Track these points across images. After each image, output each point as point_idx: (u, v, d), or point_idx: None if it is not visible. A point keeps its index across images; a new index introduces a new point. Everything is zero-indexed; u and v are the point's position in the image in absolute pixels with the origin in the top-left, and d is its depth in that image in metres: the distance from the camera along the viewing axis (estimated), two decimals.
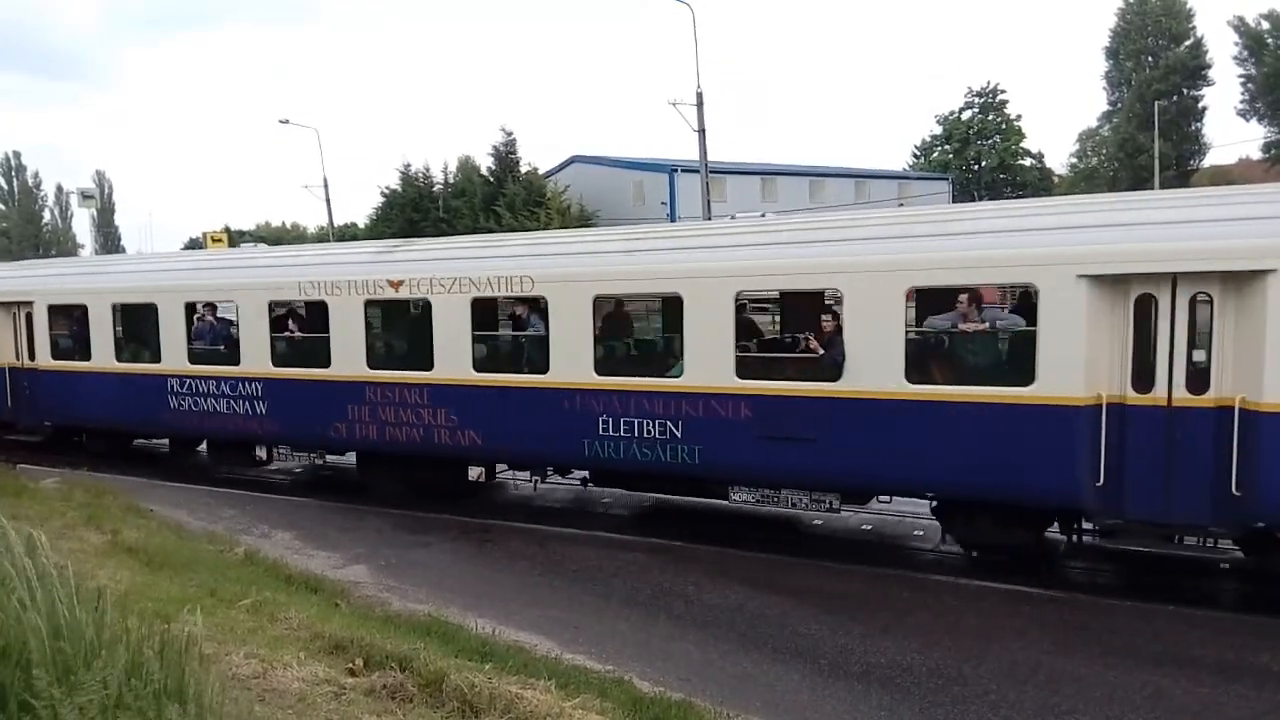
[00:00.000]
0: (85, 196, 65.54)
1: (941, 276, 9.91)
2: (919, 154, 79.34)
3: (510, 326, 13.26)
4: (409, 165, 55.71)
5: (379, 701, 5.60)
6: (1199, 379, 8.93)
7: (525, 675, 6.35)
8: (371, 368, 13.50)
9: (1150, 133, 55.90)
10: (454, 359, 12.78)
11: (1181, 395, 8.98)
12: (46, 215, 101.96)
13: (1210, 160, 65.77)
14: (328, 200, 49.06)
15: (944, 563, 10.95)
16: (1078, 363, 9.12)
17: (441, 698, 5.71)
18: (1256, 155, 61.59)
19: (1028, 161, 76.89)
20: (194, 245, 59.26)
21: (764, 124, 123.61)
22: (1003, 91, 75.84)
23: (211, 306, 15.49)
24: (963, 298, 10.00)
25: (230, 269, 15.74)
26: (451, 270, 12.88)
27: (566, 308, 11.98)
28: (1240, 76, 59.86)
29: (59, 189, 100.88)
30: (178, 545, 10.77)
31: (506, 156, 52.53)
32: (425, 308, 13.05)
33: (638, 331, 13.11)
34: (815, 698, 7.54)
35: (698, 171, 33.37)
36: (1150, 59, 64.57)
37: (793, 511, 11.99)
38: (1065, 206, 10.51)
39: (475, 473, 14.00)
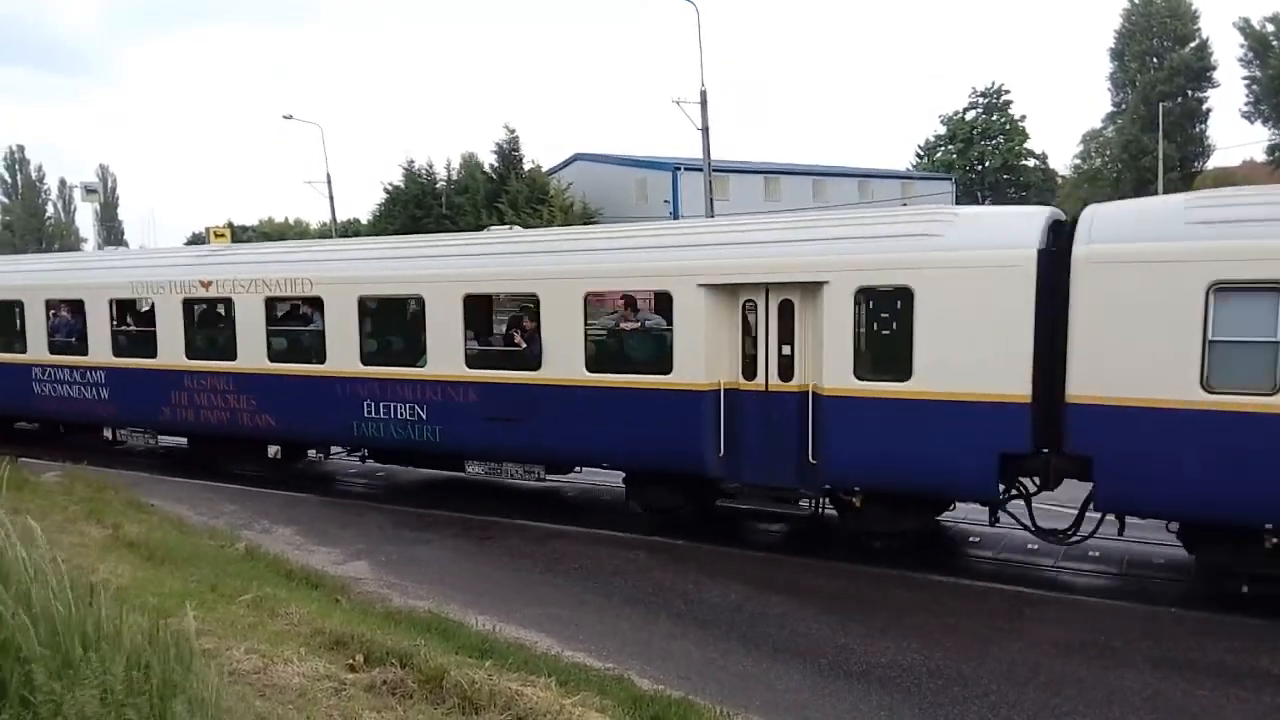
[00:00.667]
0: (89, 191, 65.63)
1: (609, 284, 12.24)
2: (922, 154, 79.30)
3: (298, 322, 14.83)
4: (412, 162, 55.84)
5: (379, 697, 5.61)
6: (787, 369, 10.94)
7: (525, 672, 6.36)
8: (189, 358, 15.27)
9: (1154, 134, 55.86)
10: (253, 351, 14.58)
11: (775, 382, 11.01)
12: (50, 209, 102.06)
13: (1215, 162, 65.74)
14: (330, 196, 49.14)
15: (942, 563, 10.95)
16: (701, 355, 11.19)
17: (442, 694, 5.72)
18: (1261, 158, 61.52)
19: (1031, 162, 76.84)
20: (197, 240, 59.20)
21: (768, 123, 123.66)
22: (1007, 92, 75.90)
23: (67, 303, 17.23)
24: (619, 301, 12.35)
25: (80, 270, 18.03)
26: (250, 273, 14.72)
27: (339, 306, 13.81)
28: (1245, 79, 59.84)
29: (62, 183, 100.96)
30: (179, 540, 10.78)
31: (510, 154, 52.54)
32: (229, 305, 14.89)
33: (396, 328, 14.38)
34: (815, 697, 7.54)
35: (701, 170, 33.37)
36: (1155, 60, 64.46)
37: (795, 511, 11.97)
38: (694, 227, 13.68)
39: (273, 450, 15.62)
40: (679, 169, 50.19)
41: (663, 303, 11.74)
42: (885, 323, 10.38)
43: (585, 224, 44.92)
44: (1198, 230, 8.84)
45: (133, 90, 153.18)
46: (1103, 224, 9.51)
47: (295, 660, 5.93)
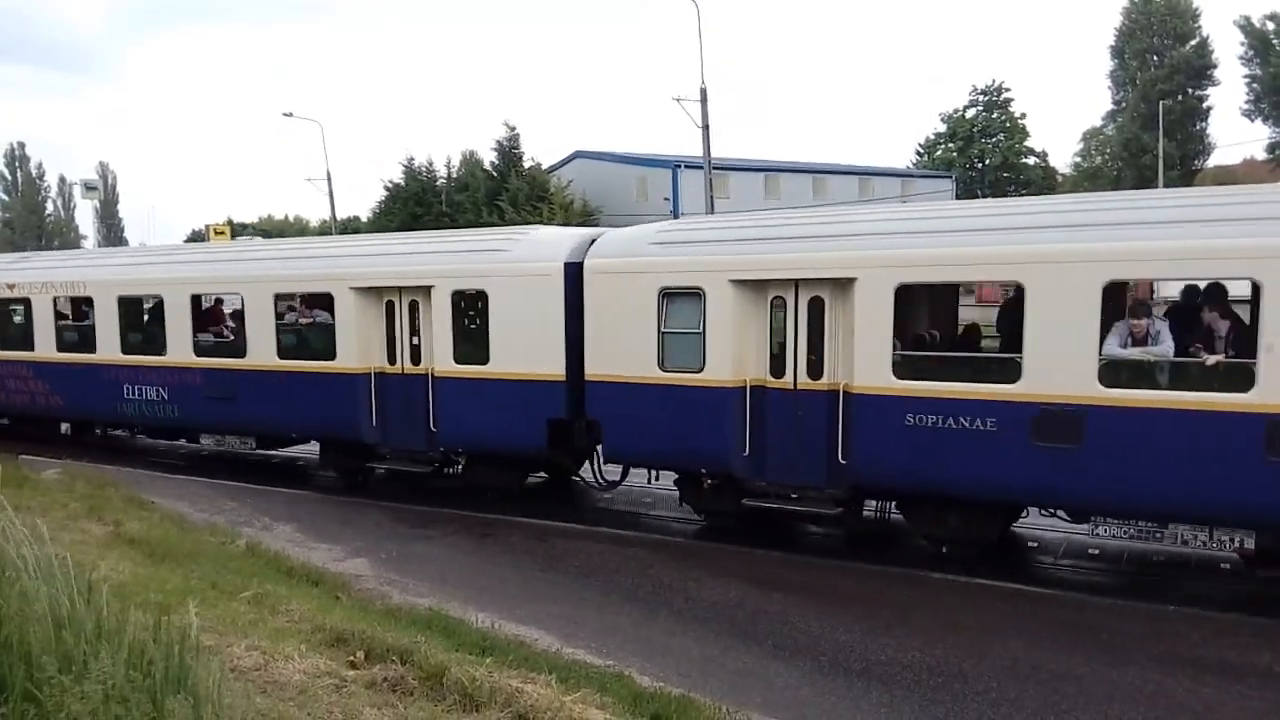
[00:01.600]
0: (89, 188, 65.50)
1: (296, 286, 15.04)
2: (923, 151, 79.24)
3: (79, 318, 17.56)
4: (412, 159, 55.74)
5: (380, 694, 5.60)
6: (416, 356, 13.55)
7: (526, 669, 6.35)
8: (1, 349, 18.20)
9: (1155, 132, 55.82)
10: (45, 342, 17.53)
11: (408, 366, 13.63)
12: (50, 206, 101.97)
13: (1215, 160, 65.74)
14: (330, 194, 49.07)
15: (944, 561, 10.95)
16: (354, 346, 13.90)
17: (442, 691, 5.71)
18: (1261, 156, 61.53)
19: (1031, 160, 76.79)
20: (197, 237, 59.25)
21: (768, 120, 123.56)
22: (1007, 90, 75.82)
23: None
24: (297, 302, 15.47)
25: None
26: (40, 276, 17.77)
27: (104, 304, 16.69)
28: (1246, 77, 59.84)
29: (62, 180, 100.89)
30: (179, 537, 10.78)
31: (510, 151, 52.48)
32: (29, 304, 17.80)
33: (146, 323, 17.15)
34: (815, 694, 7.54)
35: (701, 168, 33.33)
36: (1156, 58, 64.42)
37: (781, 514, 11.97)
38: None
39: (65, 427, 19.06)
40: (679, 167, 50.13)
41: (324, 301, 14.54)
42: (471, 318, 13.13)
43: (585, 222, 44.96)
44: (655, 249, 11.81)
45: (133, 87, 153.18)
46: (604, 243, 12.44)
47: (296, 657, 5.93)
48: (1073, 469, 9.18)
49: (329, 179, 48.04)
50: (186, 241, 53.05)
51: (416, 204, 53.18)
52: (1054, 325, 9.21)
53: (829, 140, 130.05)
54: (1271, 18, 57.32)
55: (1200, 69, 63.70)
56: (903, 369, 10.11)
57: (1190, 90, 63.70)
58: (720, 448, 11.21)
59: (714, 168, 33.62)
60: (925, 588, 9.96)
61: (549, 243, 13.05)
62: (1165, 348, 9.08)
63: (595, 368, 12.02)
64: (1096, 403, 8.99)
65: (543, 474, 14.78)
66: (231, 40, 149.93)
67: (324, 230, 63.53)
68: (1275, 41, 57.29)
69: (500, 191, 50.05)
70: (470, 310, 13.05)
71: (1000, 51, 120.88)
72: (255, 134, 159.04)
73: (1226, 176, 57.36)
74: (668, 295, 11.45)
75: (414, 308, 13.51)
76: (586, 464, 13.37)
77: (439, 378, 13.19)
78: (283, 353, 14.64)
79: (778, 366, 11.02)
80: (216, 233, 40.89)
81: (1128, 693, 7.38)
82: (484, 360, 12.80)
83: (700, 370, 11.22)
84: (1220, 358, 8.83)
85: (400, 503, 13.94)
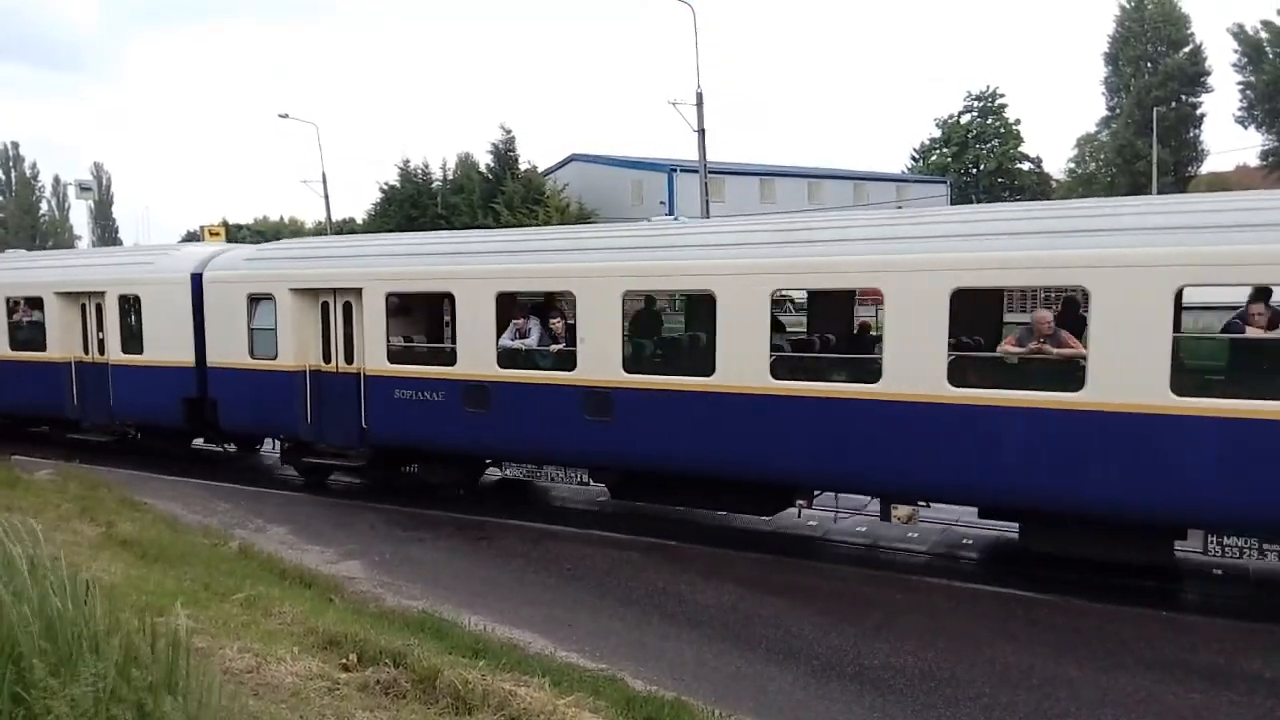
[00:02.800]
0: (83, 188, 65.18)
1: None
2: (917, 157, 79.49)
3: None
4: (408, 161, 55.81)
5: (372, 697, 5.60)
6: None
7: (519, 673, 6.35)
8: None
9: (1149, 138, 56.03)
10: None
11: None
12: (44, 207, 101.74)
13: (1208, 167, 65.98)
14: (326, 195, 48.97)
15: (937, 565, 10.97)
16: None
17: (435, 694, 5.71)
18: (1254, 162, 61.76)
19: (1026, 166, 77.04)
20: (191, 238, 59.11)
21: (764, 125, 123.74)
22: (1002, 95, 76.15)
23: None
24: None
25: None
26: None
27: None
28: (1239, 84, 60.06)
29: (56, 180, 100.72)
30: (172, 539, 10.76)
31: (506, 154, 52.52)
32: None
33: None
34: (808, 698, 7.55)
35: (697, 171, 33.36)
36: (1149, 65, 64.71)
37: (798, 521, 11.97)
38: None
39: None
40: (675, 170, 50.21)
41: (39, 304, 17.48)
42: (133, 317, 16.30)
43: (580, 225, 44.92)
44: (246, 264, 15.16)
45: (128, 88, 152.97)
46: (220, 258, 15.60)
47: (288, 659, 5.92)
48: (486, 426, 12.62)
49: (324, 181, 48.00)
50: (181, 242, 52.82)
51: (412, 206, 53.20)
52: (473, 325, 12.84)
53: (825, 145, 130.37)
54: (1265, 25, 57.57)
55: (1194, 76, 63.96)
56: (395, 357, 13.49)
57: (1184, 97, 63.96)
58: (291, 419, 14.34)
59: (710, 172, 33.63)
60: (918, 592, 9.98)
61: (183, 257, 16.24)
62: (532, 340, 12.59)
63: (212, 357, 15.22)
64: (496, 380, 12.55)
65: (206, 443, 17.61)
66: (227, 41, 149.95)
67: (319, 232, 63.40)
68: (1268, 49, 57.52)
69: (496, 194, 50.08)
70: (132, 311, 16.28)
71: (995, 57, 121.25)
72: (251, 135, 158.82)
73: (1220, 183, 57.55)
74: (253, 299, 14.69)
75: (98, 309, 16.73)
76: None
77: (113, 365, 16.53)
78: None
79: (327, 355, 14.06)
80: (211, 234, 40.72)
81: (1118, 698, 7.41)
82: (140, 351, 16.05)
83: (275, 358, 14.32)
84: (560, 346, 12.41)
85: (394, 505, 13.93)
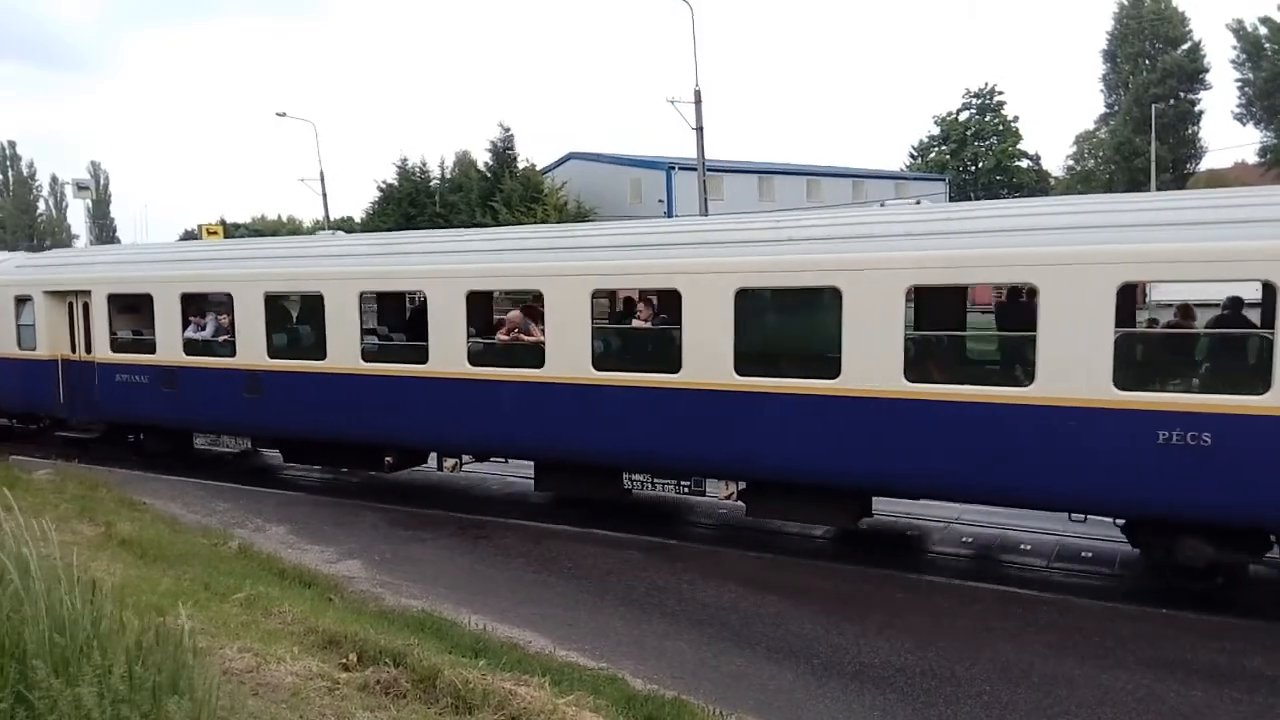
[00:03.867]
0: (80, 187, 65.23)
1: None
2: (916, 154, 79.47)
3: None
4: (406, 160, 55.76)
5: (372, 697, 5.59)
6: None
7: (519, 672, 6.34)
8: None
9: (1147, 135, 56.03)
10: None
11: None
12: (41, 206, 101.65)
13: (1207, 164, 65.99)
14: (324, 194, 48.96)
15: (936, 564, 10.98)
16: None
17: (435, 694, 5.70)
18: (1253, 159, 61.75)
19: (1024, 163, 77.03)
20: (189, 236, 59.07)
21: (762, 122, 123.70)
22: (1000, 93, 76.15)
23: None
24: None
25: None
26: None
27: None
28: (1238, 81, 60.03)
29: (54, 179, 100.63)
30: (171, 538, 10.75)
31: (504, 152, 52.49)
32: None
33: None
34: (808, 697, 7.55)
35: (695, 169, 33.36)
36: (1148, 62, 64.67)
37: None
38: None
39: None
40: (673, 168, 50.16)
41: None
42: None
43: (578, 223, 44.91)
44: (14, 270, 17.81)
45: (126, 86, 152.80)
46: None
47: (288, 659, 5.92)
48: (179, 403, 15.48)
49: (322, 179, 47.99)
50: (180, 240, 52.81)
51: (410, 204, 53.16)
52: (166, 320, 15.50)
53: (824, 143, 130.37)
54: (1264, 21, 57.55)
55: (1192, 73, 63.94)
56: (117, 347, 16.18)
57: (1182, 94, 63.94)
58: (49, 400, 17.07)
59: (708, 170, 33.65)
60: (917, 590, 9.99)
61: None
62: (206, 333, 15.40)
63: None
64: (183, 365, 15.34)
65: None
66: (225, 39, 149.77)
67: (317, 229, 63.33)
68: (1267, 45, 57.49)
69: (494, 192, 50.05)
70: None
71: (993, 54, 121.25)
72: (249, 134, 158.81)
73: (1218, 180, 57.56)
74: (18, 300, 17.31)
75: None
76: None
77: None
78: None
79: (73, 346, 16.66)
80: (209, 232, 40.71)
81: (1119, 696, 7.41)
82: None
83: (35, 349, 17.04)
84: (227, 336, 15.10)
85: (394, 505, 13.92)
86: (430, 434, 13.27)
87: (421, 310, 13.49)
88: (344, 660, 6.22)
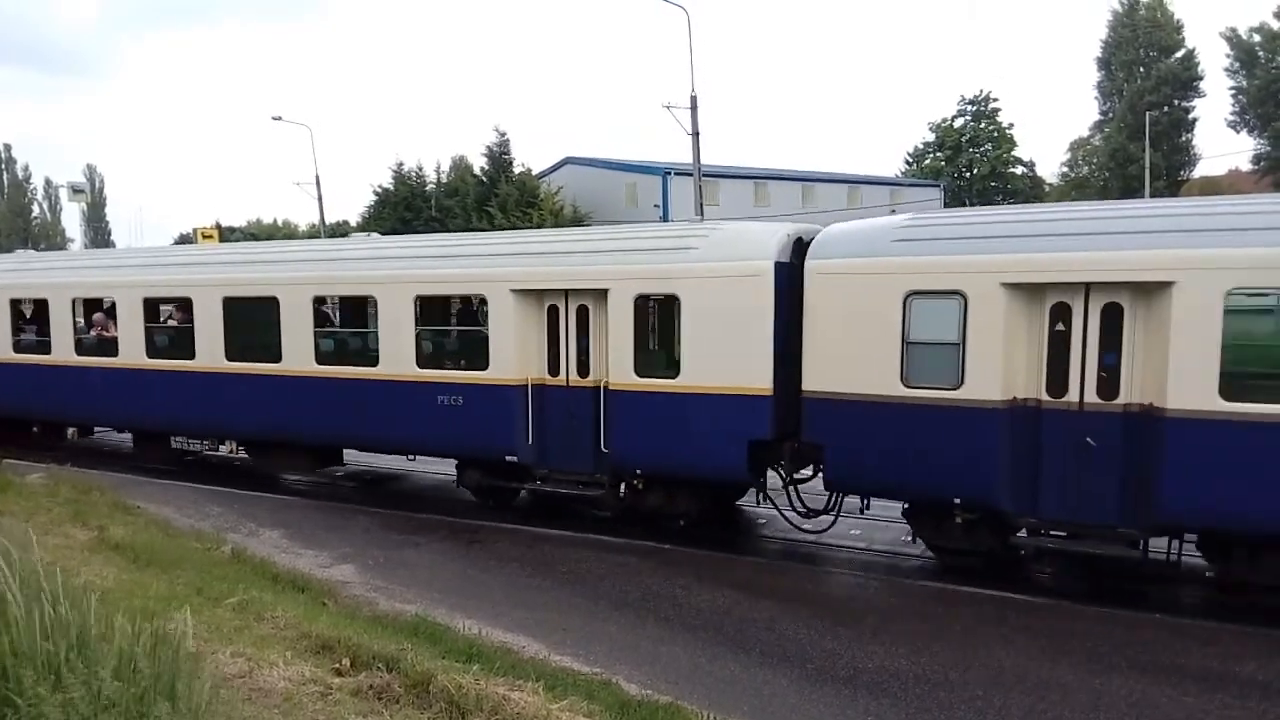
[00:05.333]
0: (75, 190, 65.03)
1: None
2: (911, 160, 79.61)
3: None
4: (402, 164, 55.72)
5: (365, 702, 5.58)
6: None
7: (513, 677, 6.34)
8: None
9: (1141, 143, 56.19)
10: None
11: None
12: (36, 209, 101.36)
13: (1200, 171, 66.21)
14: (319, 198, 49.05)
15: (929, 569, 10.98)
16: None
17: (428, 699, 5.70)
18: (1246, 166, 61.99)
19: (1019, 170, 77.22)
20: (185, 240, 58.96)
21: (758, 128, 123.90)
22: (995, 100, 76.26)
23: None
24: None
25: None
26: None
27: None
28: (1231, 89, 60.24)
29: (49, 182, 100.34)
30: (164, 542, 10.71)
31: (500, 157, 52.47)
32: None
33: None
34: (802, 701, 7.55)
35: (691, 174, 33.40)
36: (1142, 70, 64.90)
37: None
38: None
39: None
40: (669, 173, 50.23)
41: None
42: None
43: (575, 227, 44.91)
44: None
45: (122, 89, 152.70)
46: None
47: (281, 664, 5.91)
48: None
49: (318, 183, 47.93)
50: (175, 244, 52.74)
51: (406, 209, 53.12)
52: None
53: (819, 149, 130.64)
54: (1258, 29, 57.82)
55: (1186, 80, 64.18)
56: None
57: (1177, 101, 64.16)
58: None
59: (704, 175, 33.68)
60: (910, 595, 9.99)
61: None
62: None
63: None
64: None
65: None
66: (221, 43, 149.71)
67: (313, 234, 63.32)
68: (1261, 53, 57.74)
69: (490, 197, 50.02)
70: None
71: (988, 61, 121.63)
72: (244, 137, 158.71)
73: (1212, 187, 57.77)
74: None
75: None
76: None
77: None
78: None
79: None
80: (205, 236, 40.62)
81: (1111, 701, 7.42)
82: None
83: None
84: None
85: (388, 509, 13.90)
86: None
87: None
88: (337, 665, 6.21)
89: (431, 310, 13.69)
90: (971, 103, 76.66)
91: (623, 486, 12.25)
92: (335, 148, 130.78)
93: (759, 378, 10.80)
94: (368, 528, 12.86)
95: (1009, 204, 69.86)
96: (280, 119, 47.07)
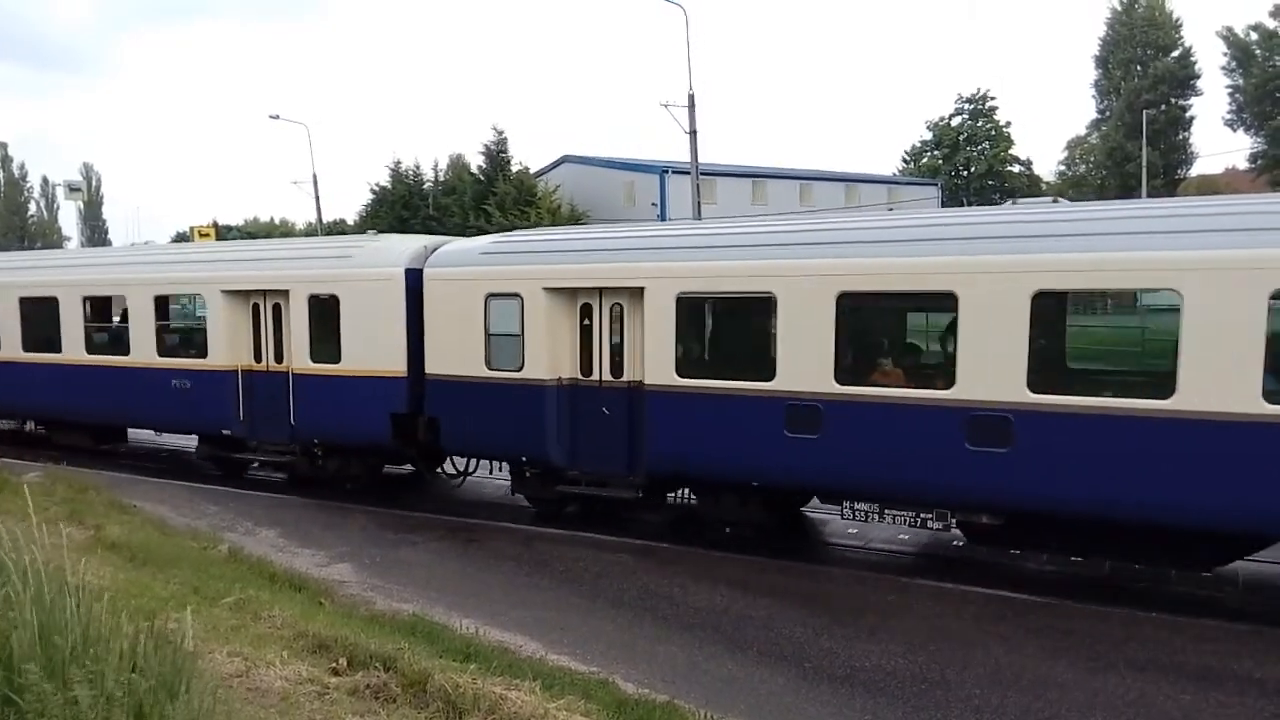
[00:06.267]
0: (72, 189, 64.96)
1: None
2: (909, 159, 79.61)
3: None
4: (399, 162, 55.63)
5: (362, 701, 5.57)
6: None
7: (510, 676, 6.33)
8: None
9: (1138, 141, 56.22)
10: None
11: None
12: (32, 208, 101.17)
13: (1197, 169, 66.28)
14: (316, 196, 48.91)
15: (927, 567, 10.98)
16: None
17: (425, 698, 5.69)
18: (1243, 165, 62.04)
19: (1016, 168, 77.23)
20: (181, 238, 58.87)
21: (755, 126, 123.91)
22: (992, 98, 76.23)
23: None
24: None
25: None
26: None
27: None
28: (1228, 87, 60.24)
29: (45, 181, 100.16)
30: (161, 542, 10.70)
31: (497, 155, 52.41)
32: None
33: None
34: (799, 700, 7.55)
35: (688, 173, 33.39)
36: (1139, 68, 64.91)
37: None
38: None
39: None
40: (667, 172, 50.22)
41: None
42: None
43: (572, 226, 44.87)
44: None
45: (119, 88, 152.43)
46: None
47: (278, 664, 5.90)
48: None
49: (315, 182, 47.90)
50: (172, 243, 52.67)
51: (403, 207, 53.06)
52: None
53: (817, 147, 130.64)
54: (1254, 28, 57.85)
55: (1183, 79, 64.19)
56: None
57: (1174, 100, 64.16)
58: None
59: (701, 173, 33.66)
60: (908, 593, 9.99)
61: None
62: None
63: None
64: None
65: None
66: (218, 41, 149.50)
67: (310, 233, 63.28)
68: (1257, 52, 57.78)
69: (487, 195, 49.97)
70: None
71: (985, 60, 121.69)
72: (242, 136, 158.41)
73: (1209, 186, 57.81)
74: None
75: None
76: None
77: None
78: None
79: None
80: (201, 234, 40.56)
81: (1109, 700, 7.42)
82: None
83: None
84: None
85: (384, 508, 13.89)
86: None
87: None
88: (334, 664, 6.20)
89: (168, 308, 16.44)
90: (969, 101, 76.67)
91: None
92: (333, 146, 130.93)
93: (396, 363, 13.34)
94: (364, 526, 12.86)
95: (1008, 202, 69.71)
96: (278, 117, 47.12)
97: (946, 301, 9.74)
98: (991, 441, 9.37)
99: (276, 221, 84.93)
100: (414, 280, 13.23)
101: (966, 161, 76.11)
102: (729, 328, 11.96)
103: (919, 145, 79.10)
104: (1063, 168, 74.19)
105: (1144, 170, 54.59)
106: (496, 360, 12.54)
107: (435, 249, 13.62)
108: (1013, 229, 9.85)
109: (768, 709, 7.35)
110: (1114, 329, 15.62)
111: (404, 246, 13.97)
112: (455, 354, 12.86)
